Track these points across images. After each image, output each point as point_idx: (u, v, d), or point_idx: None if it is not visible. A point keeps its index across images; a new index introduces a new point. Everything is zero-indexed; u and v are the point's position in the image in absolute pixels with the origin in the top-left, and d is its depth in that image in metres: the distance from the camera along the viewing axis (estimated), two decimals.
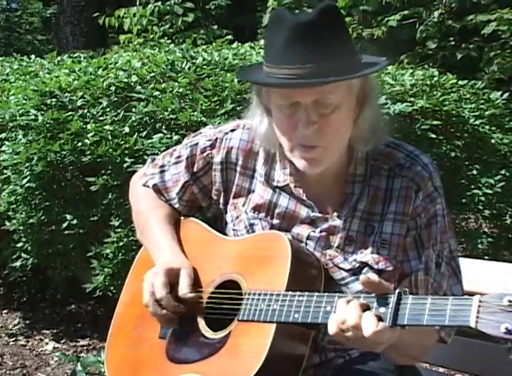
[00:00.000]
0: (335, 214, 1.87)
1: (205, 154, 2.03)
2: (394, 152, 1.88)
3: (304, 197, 1.90)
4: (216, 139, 2.02)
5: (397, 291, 1.60)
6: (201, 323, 1.91)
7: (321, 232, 1.88)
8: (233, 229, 2.00)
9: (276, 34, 1.74)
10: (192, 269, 1.94)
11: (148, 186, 2.14)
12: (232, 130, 2.01)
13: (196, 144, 2.05)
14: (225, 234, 2.02)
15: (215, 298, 1.90)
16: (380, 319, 1.58)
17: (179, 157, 2.08)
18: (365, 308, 1.61)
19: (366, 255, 1.83)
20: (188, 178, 2.05)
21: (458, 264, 1.91)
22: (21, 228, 3.96)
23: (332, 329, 1.63)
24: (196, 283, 1.94)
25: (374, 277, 1.63)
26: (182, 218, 2.12)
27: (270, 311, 1.76)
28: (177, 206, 2.10)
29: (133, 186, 2.23)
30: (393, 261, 1.83)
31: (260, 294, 1.80)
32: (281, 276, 1.78)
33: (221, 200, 2.03)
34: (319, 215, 1.88)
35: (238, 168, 1.99)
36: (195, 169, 2.05)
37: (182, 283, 1.91)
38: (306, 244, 1.89)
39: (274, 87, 1.78)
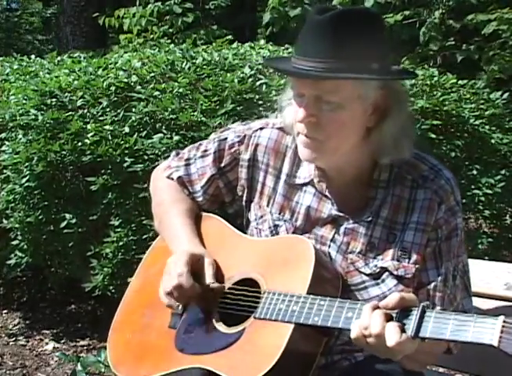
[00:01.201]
0: (357, 216, 1.89)
1: (233, 150, 2.05)
2: (419, 163, 1.91)
3: (327, 193, 1.92)
4: (245, 135, 2.05)
5: (422, 304, 1.62)
6: (215, 316, 1.91)
7: (344, 235, 1.90)
8: (256, 228, 2.02)
9: (306, 27, 1.81)
10: (213, 259, 1.95)
11: (172, 179, 2.15)
12: (261, 128, 2.04)
13: (225, 139, 2.07)
14: (246, 232, 2.04)
15: (232, 294, 1.91)
16: (402, 330, 1.61)
17: (206, 150, 2.10)
18: (389, 318, 1.63)
19: (387, 261, 1.86)
20: (215, 171, 2.07)
21: (469, 278, 1.96)
22: (18, 226, 3.97)
23: (354, 333, 1.66)
24: (216, 276, 1.94)
25: (395, 297, 1.65)
26: (202, 213, 2.12)
27: (289, 311, 1.77)
28: (200, 199, 2.11)
29: (155, 177, 2.23)
30: (412, 269, 1.86)
31: (280, 295, 1.81)
32: (302, 281, 1.79)
33: (245, 197, 2.05)
34: (341, 213, 1.90)
35: (264, 167, 2.01)
36: (222, 164, 2.07)
37: (207, 273, 1.92)
38: (329, 246, 1.91)
39: (279, 71, 1.87)
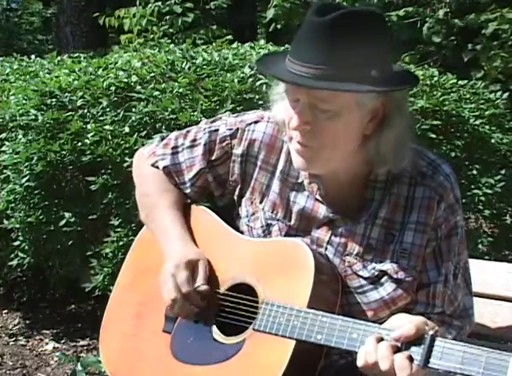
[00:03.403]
0: (354, 218, 1.84)
1: (224, 144, 1.96)
2: (416, 159, 1.84)
3: (318, 195, 1.86)
4: (237, 129, 1.96)
5: (430, 333, 1.59)
6: (211, 323, 1.86)
7: (341, 237, 1.84)
8: (247, 225, 1.95)
9: (303, 28, 1.71)
10: (207, 262, 1.90)
11: (157, 167, 2.06)
12: (256, 121, 1.95)
13: (216, 131, 1.98)
14: (236, 227, 1.96)
15: (228, 301, 1.85)
16: (410, 359, 1.58)
17: (195, 140, 2.01)
18: (396, 349, 1.60)
19: (386, 264, 1.81)
20: (204, 165, 1.99)
21: (470, 275, 1.92)
22: (18, 226, 3.96)
23: (361, 364, 1.63)
24: (209, 279, 1.89)
25: (410, 332, 1.60)
26: (192, 205, 2.03)
27: (290, 327, 1.72)
28: (188, 191, 2.03)
29: (139, 162, 2.14)
30: (412, 271, 1.81)
31: (279, 307, 1.75)
32: (303, 291, 1.73)
33: (237, 192, 1.97)
34: (337, 216, 1.85)
35: (259, 163, 1.93)
36: (213, 157, 1.98)
37: (198, 275, 1.86)
38: (326, 248, 1.85)
39: (275, 77, 1.76)
